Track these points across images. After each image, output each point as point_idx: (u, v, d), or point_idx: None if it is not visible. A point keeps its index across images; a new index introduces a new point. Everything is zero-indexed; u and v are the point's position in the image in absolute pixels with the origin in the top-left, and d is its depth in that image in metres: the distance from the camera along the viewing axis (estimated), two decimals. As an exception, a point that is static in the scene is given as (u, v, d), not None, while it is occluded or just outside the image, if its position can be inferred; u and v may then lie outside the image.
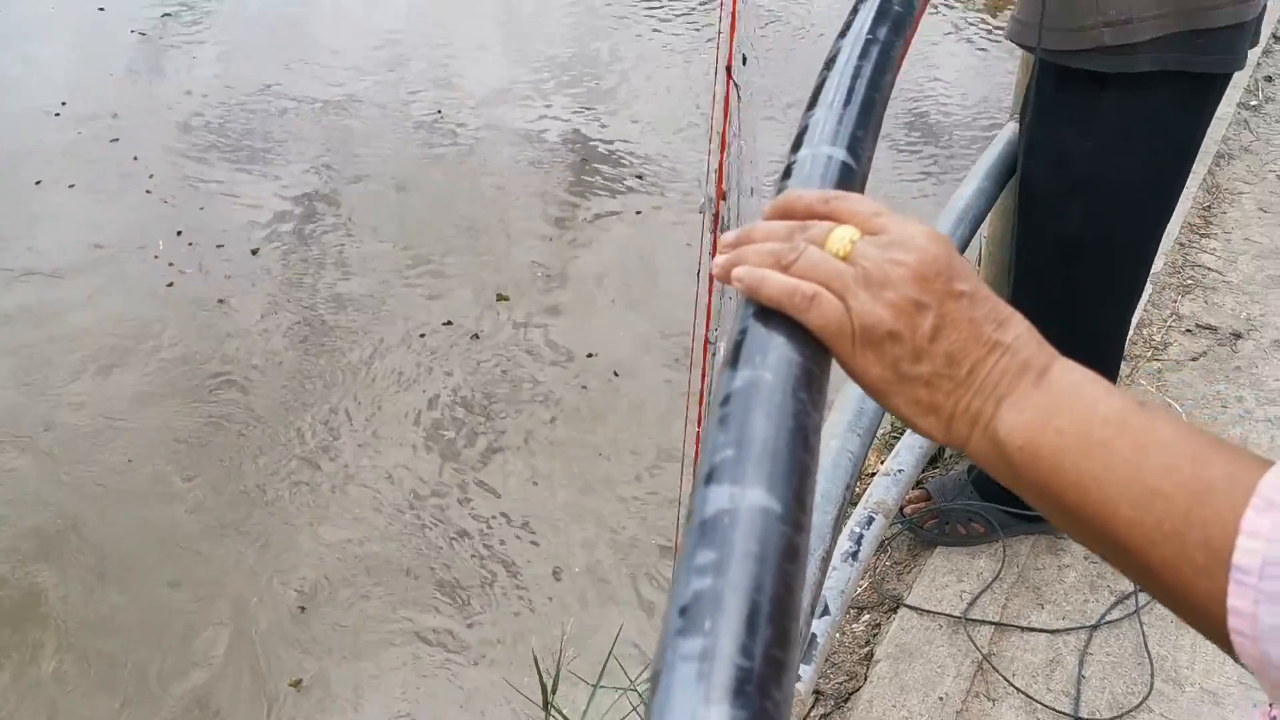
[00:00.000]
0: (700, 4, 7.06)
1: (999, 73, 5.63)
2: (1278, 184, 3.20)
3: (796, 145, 0.85)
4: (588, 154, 4.92)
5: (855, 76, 0.91)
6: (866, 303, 0.64)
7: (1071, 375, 0.64)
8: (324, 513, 3.06)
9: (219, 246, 4.14)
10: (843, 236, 0.66)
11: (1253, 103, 3.55)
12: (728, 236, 0.72)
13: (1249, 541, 0.51)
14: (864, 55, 0.94)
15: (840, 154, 0.82)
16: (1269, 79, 3.70)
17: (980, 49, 5.97)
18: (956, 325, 0.64)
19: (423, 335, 3.70)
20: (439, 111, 5.21)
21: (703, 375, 1.85)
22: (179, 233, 4.21)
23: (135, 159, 4.72)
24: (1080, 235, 1.79)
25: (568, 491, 3.12)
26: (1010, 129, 1.97)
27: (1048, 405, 0.62)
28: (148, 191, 4.50)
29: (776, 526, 0.54)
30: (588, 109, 5.40)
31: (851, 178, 0.82)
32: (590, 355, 3.59)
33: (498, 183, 4.67)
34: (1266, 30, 3.88)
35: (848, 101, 0.87)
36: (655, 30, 6.31)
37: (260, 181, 4.63)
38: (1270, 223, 3.04)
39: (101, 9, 6.18)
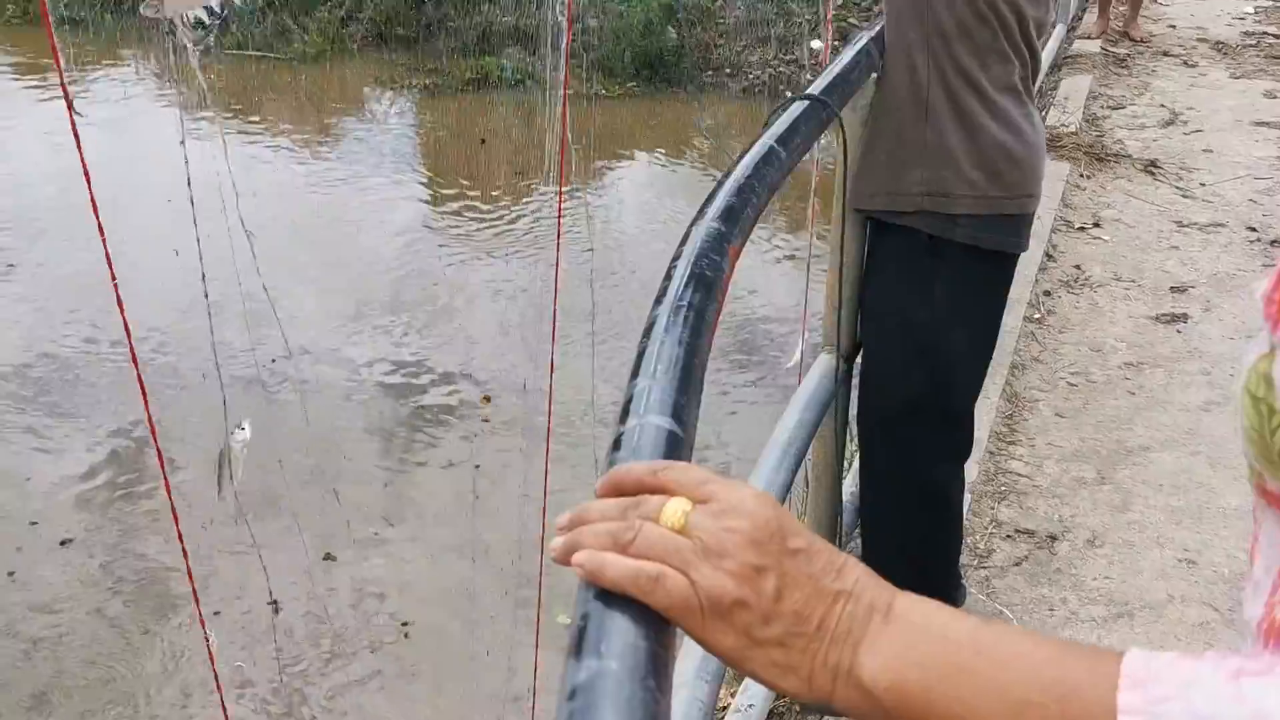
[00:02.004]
0: (518, 228, 7.30)
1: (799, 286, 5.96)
2: (1069, 390, 3.44)
3: (623, 416, 0.87)
4: (421, 392, 4.91)
5: (675, 344, 0.95)
6: (709, 575, 0.64)
7: (916, 607, 0.66)
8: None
9: (32, 523, 3.90)
10: (676, 509, 0.67)
11: (1036, 316, 3.85)
12: (562, 519, 0.72)
13: (1129, 719, 0.54)
14: (681, 322, 0.98)
15: (666, 423, 0.84)
16: (1047, 293, 4.03)
17: (778, 260, 6.34)
18: (798, 583, 0.65)
19: (239, 611, 3.53)
20: (273, 360, 5.14)
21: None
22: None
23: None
24: (921, 395, 2.04)
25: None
26: (825, 361, 2.07)
27: (902, 641, 0.63)
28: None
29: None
30: (418, 343, 5.42)
31: (679, 445, 0.84)
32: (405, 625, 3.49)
33: (329, 427, 4.59)
34: (1039, 247, 4.25)
35: (669, 370, 0.90)
36: (483, 264, 6.46)
37: (71, 443, 4.42)
38: (1067, 427, 3.25)
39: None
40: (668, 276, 1.08)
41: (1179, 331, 3.78)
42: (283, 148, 11.41)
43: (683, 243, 1.15)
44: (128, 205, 8.22)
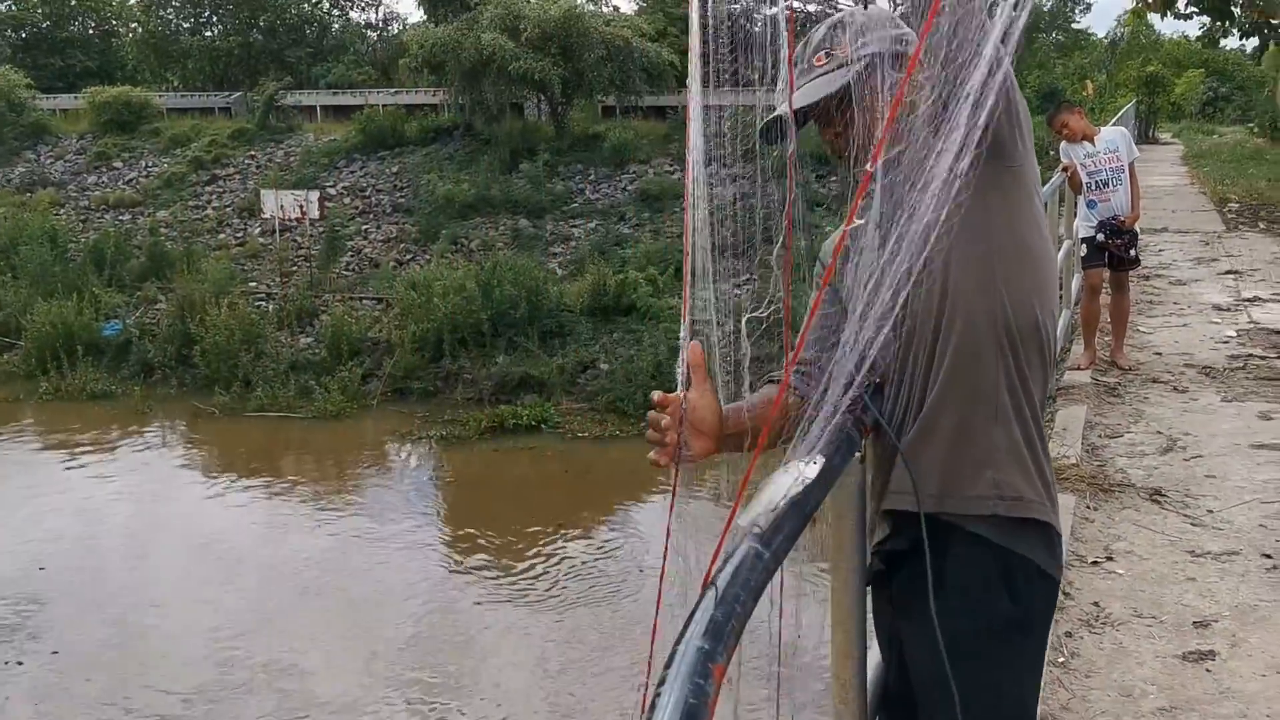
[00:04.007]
0: (538, 580, 7.27)
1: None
2: (1104, 744, 3.30)
3: None
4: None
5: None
6: None
7: None
8: None
9: None
10: None
11: (1060, 660, 3.75)
12: None
13: None
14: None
15: None
16: (1068, 634, 3.94)
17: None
18: None
19: None
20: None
21: None
22: None
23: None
24: None
25: None
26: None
27: None
28: None
29: None
30: (442, 706, 5.29)
31: None
32: None
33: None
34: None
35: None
36: (505, 616, 6.40)
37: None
38: (1106, 784, 3.09)
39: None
40: (652, 707, 1.08)
41: (1209, 670, 3.67)
42: (304, 504, 11.61)
43: (668, 665, 1.16)
44: (152, 567, 8.27)
